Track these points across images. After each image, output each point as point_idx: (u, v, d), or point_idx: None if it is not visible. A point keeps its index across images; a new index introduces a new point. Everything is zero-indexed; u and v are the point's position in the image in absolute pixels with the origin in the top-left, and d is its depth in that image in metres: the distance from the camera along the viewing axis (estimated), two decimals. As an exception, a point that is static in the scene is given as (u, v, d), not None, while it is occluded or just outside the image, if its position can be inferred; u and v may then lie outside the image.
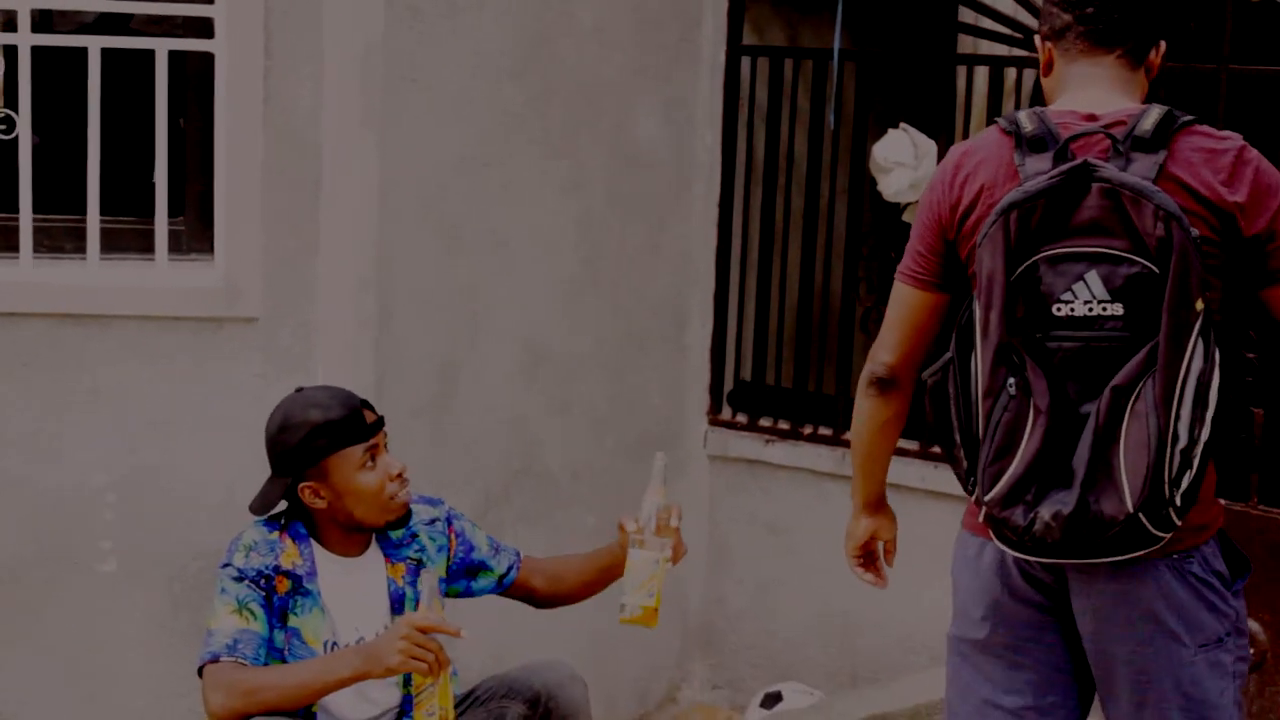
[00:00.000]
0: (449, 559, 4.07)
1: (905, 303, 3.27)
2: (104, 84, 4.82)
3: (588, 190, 5.50)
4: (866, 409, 3.34)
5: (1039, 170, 2.99)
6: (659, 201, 5.73)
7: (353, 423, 3.86)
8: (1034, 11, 5.30)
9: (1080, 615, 3.16)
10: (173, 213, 4.94)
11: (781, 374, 5.94)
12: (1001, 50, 5.46)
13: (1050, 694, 3.26)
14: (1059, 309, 2.95)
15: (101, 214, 4.87)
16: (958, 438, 3.08)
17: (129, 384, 4.86)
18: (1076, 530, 2.97)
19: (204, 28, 4.88)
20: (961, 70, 5.58)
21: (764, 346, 5.93)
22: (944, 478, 5.38)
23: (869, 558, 3.55)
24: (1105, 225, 2.94)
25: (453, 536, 4.09)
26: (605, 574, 4.17)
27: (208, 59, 4.88)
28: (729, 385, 5.96)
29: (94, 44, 4.81)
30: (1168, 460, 2.94)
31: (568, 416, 5.55)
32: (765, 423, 5.86)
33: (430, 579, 3.80)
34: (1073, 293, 2.94)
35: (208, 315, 4.90)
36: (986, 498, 3.01)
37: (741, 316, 5.95)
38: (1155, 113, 3.02)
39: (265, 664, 3.79)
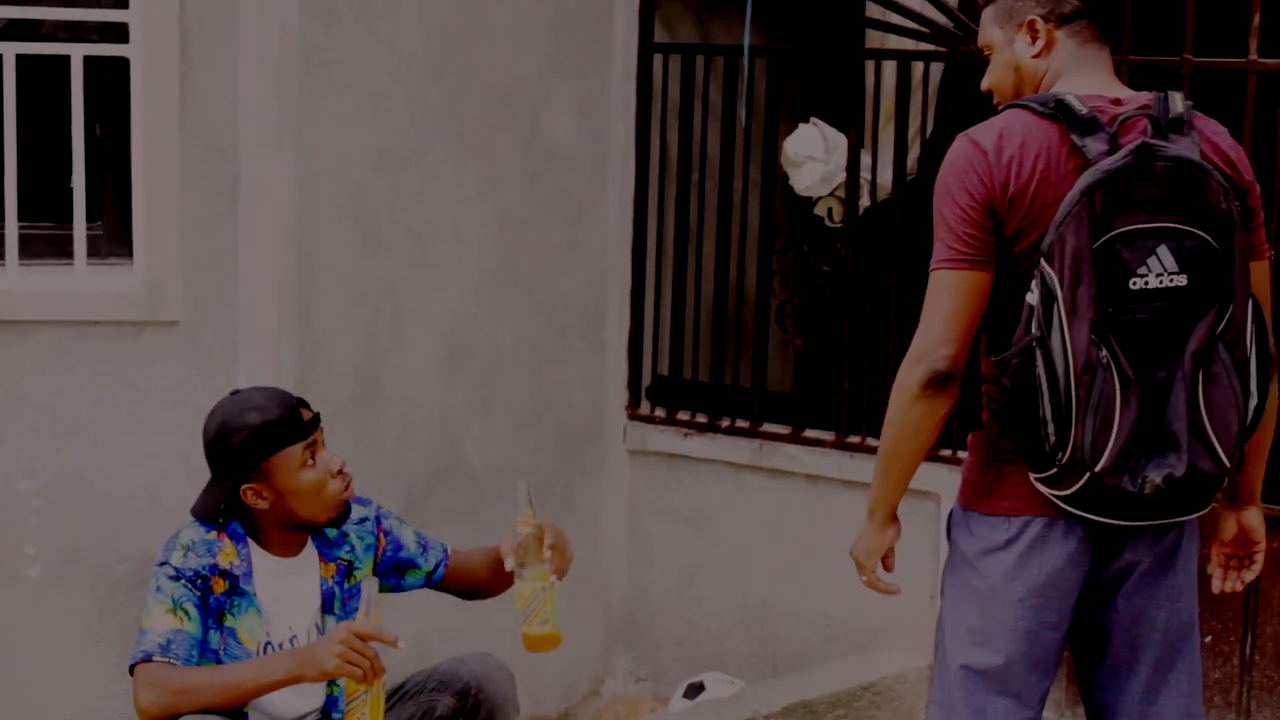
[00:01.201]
0: (376, 557, 4.10)
1: (962, 288, 3.22)
2: (18, 89, 4.81)
3: (506, 188, 5.54)
4: (922, 412, 3.26)
5: (1100, 151, 3.13)
6: (575, 198, 5.77)
7: (290, 421, 3.87)
8: (940, 7, 5.38)
9: (1122, 579, 3.33)
10: (90, 217, 4.93)
11: (698, 368, 5.99)
12: (909, 45, 5.53)
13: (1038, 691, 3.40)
14: (1135, 283, 3.10)
15: (19, 220, 4.86)
16: (1047, 415, 3.13)
17: (51, 389, 4.85)
18: (1184, 490, 3.15)
19: (119, 33, 4.88)
20: (870, 65, 5.64)
21: (680, 341, 5.98)
22: (859, 467, 5.46)
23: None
24: (1169, 201, 3.11)
25: (381, 535, 4.11)
26: (503, 571, 4.05)
27: (122, 63, 4.88)
28: (647, 380, 6.01)
29: (8, 50, 4.80)
30: (1247, 417, 3.18)
31: (489, 413, 5.58)
32: (683, 416, 5.91)
33: (370, 587, 3.82)
34: (1147, 266, 3.10)
35: (129, 319, 4.90)
36: (1096, 468, 3.10)
37: (658, 311, 6.00)
38: (1180, 97, 3.22)
39: (198, 664, 3.80)
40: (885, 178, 5.60)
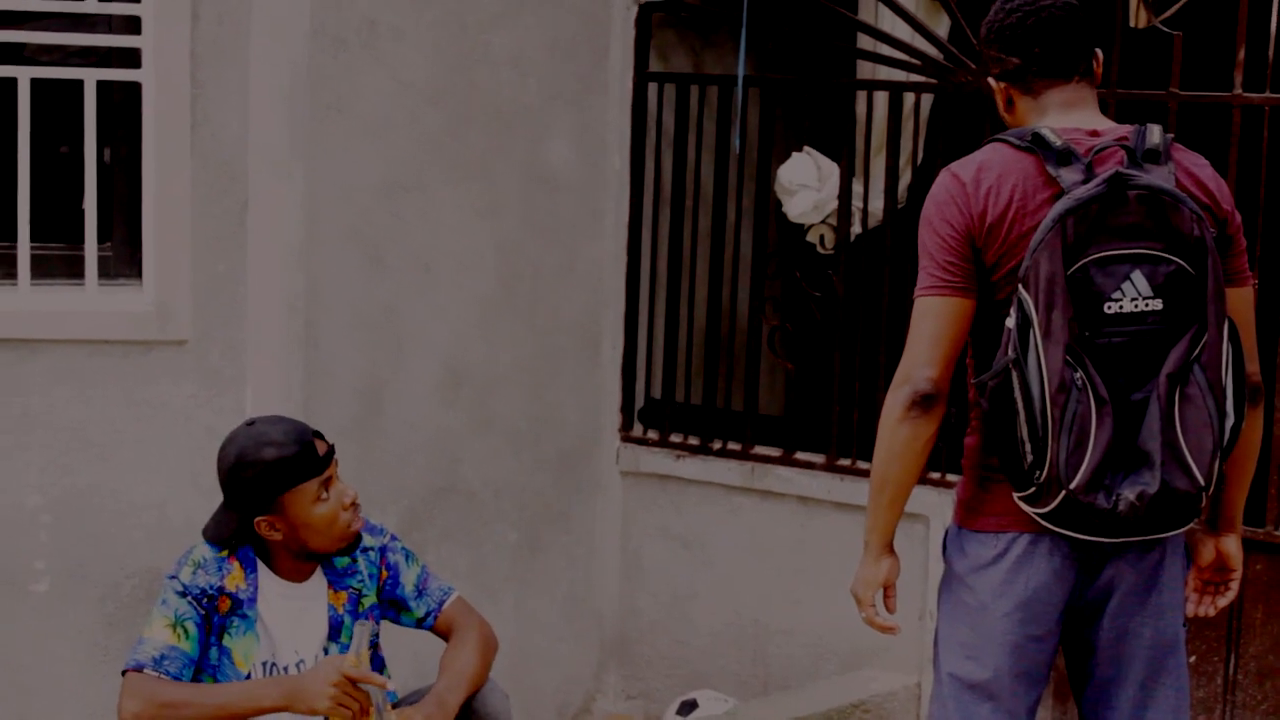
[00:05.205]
0: (378, 587, 4.15)
1: (944, 314, 3.32)
2: (32, 112, 4.89)
3: (504, 213, 5.63)
4: (908, 433, 3.34)
5: (1075, 180, 3.22)
6: (572, 224, 5.86)
7: (306, 458, 3.90)
8: (931, 39, 5.49)
9: (1107, 595, 3.40)
10: (100, 238, 5.01)
11: (691, 391, 6.06)
12: (900, 76, 5.61)
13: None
14: (1109, 307, 3.18)
15: (31, 240, 4.93)
16: (1024, 435, 3.22)
17: (61, 407, 4.92)
18: (1158, 508, 3.22)
19: (131, 58, 4.97)
20: (861, 95, 5.73)
21: (673, 364, 6.04)
22: (849, 489, 5.54)
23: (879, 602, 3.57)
24: (1144, 228, 3.19)
25: (384, 568, 4.14)
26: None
27: (134, 88, 4.97)
28: (640, 402, 6.08)
29: (23, 74, 4.88)
30: (1224, 437, 3.26)
31: (488, 434, 5.66)
32: (676, 439, 5.97)
33: (364, 630, 3.86)
34: (1121, 291, 3.18)
35: (138, 338, 4.97)
36: (1071, 485, 3.18)
37: (651, 335, 6.08)
38: (1158, 129, 3.30)
39: (190, 682, 3.87)
40: (876, 205, 5.70)
